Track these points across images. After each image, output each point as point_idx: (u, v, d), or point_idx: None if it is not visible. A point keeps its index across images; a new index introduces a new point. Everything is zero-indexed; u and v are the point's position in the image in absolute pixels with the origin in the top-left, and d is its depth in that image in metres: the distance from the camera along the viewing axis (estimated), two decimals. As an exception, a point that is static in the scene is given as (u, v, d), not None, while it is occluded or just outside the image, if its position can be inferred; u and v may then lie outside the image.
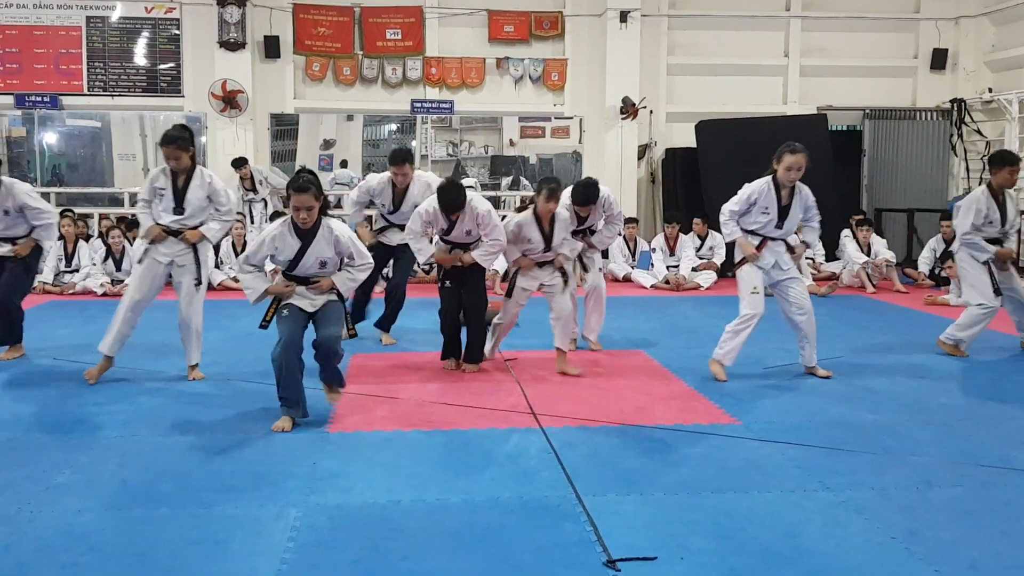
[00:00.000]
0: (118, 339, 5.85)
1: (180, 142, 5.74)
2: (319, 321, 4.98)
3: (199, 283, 5.95)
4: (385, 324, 7.38)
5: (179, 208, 5.84)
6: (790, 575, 3.10)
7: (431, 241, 6.35)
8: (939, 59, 14.03)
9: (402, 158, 7.01)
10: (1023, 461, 4.33)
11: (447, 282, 6.33)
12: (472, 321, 6.39)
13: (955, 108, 13.84)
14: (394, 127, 13.38)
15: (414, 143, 13.54)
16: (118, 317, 5.84)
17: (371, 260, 5.23)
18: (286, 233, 4.94)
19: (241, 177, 12.22)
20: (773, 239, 5.98)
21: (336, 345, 4.95)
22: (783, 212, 5.93)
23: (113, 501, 3.74)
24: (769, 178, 5.92)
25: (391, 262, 7.50)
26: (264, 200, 12.38)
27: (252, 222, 12.00)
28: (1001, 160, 6.75)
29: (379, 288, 9.62)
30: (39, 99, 12.88)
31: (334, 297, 5.08)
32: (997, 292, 6.68)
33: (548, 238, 6.21)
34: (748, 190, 5.95)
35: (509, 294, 6.36)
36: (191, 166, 5.87)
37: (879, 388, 5.83)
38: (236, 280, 10.62)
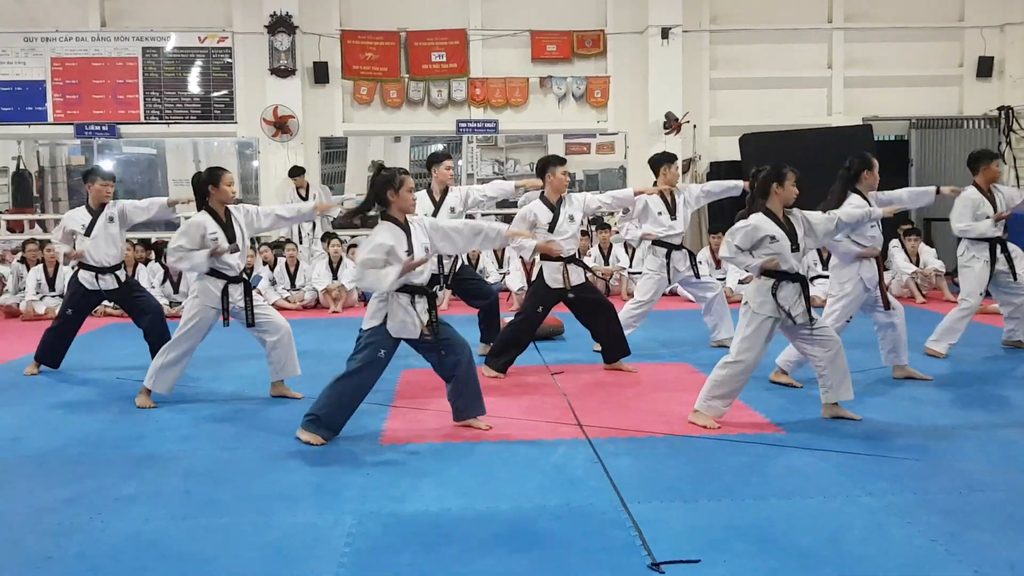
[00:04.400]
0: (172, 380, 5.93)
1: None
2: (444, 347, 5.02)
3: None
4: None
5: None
6: (831, 577, 3.18)
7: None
8: (985, 67, 13.90)
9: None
10: (1069, 466, 4.34)
11: (540, 308, 6.65)
12: (611, 320, 6.73)
13: (1003, 116, 13.65)
14: (440, 147, 13.59)
15: (461, 162, 13.74)
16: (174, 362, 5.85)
17: None
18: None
19: (297, 187, 12.52)
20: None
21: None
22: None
23: (178, 511, 3.93)
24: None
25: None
26: (313, 221, 12.62)
27: (301, 242, 12.24)
28: (978, 158, 7.13)
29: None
30: (98, 128, 13.33)
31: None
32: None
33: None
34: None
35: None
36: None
37: (924, 396, 5.84)
38: (288, 300, 10.90)
